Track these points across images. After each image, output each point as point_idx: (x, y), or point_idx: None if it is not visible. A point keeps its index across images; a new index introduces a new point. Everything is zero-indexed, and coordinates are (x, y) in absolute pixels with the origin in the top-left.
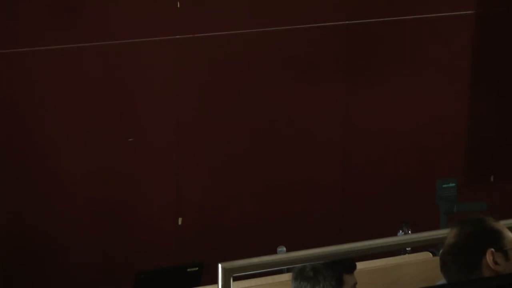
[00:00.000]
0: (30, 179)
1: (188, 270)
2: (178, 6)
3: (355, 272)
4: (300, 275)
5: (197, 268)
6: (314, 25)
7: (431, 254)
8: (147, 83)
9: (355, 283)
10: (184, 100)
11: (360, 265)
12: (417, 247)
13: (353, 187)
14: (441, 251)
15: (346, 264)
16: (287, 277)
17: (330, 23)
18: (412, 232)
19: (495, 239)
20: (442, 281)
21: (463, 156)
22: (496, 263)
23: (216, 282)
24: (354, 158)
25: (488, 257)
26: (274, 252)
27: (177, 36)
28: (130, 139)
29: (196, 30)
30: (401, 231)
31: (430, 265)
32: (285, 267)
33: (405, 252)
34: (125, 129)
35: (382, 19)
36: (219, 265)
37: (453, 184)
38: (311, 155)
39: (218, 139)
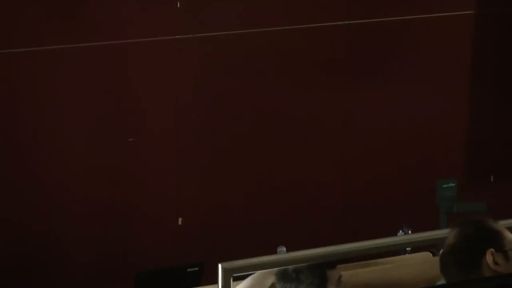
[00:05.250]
0: (30, 179)
1: (188, 270)
2: (178, 6)
3: (353, 271)
4: (283, 277)
5: (197, 268)
6: (314, 25)
7: (431, 254)
8: (147, 83)
9: (340, 277)
10: (184, 100)
11: (359, 265)
12: (417, 247)
13: (353, 187)
14: (441, 251)
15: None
16: None
17: (330, 23)
18: (412, 232)
19: (495, 239)
20: (442, 281)
21: (463, 156)
22: (496, 263)
23: (216, 282)
24: (354, 158)
25: (488, 258)
26: (274, 252)
27: (177, 36)
28: (130, 139)
29: (196, 30)
30: (401, 231)
31: (430, 265)
32: (285, 267)
33: (405, 252)
34: (125, 129)
35: (382, 19)
36: (219, 265)
37: (453, 184)
38: (311, 155)
39: (218, 139)
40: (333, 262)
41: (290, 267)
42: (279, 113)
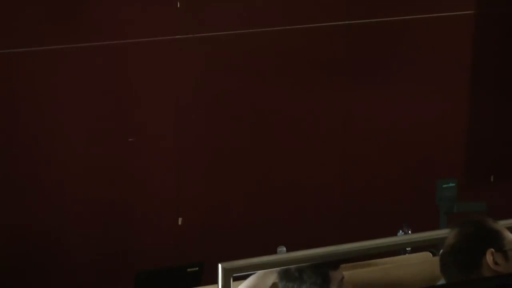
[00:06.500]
0: (30, 179)
1: (188, 270)
2: (178, 6)
3: (353, 271)
4: (285, 276)
5: (197, 268)
6: (314, 25)
7: (431, 254)
8: (147, 83)
9: (342, 278)
10: (184, 100)
11: (359, 265)
12: (417, 247)
13: (353, 187)
14: (441, 251)
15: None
16: None
17: (330, 23)
18: (412, 232)
19: (495, 239)
20: (442, 281)
21: (463, 156)
22: (496, 263)
23: (216, 282)
24: (354, 158)
25: (488, 258)
26: (274, 252)
27: (177, 36)
28: (130, 139)
29: (196, 30)
30: (401, 231)
31: (430, 265)
32: (285, 267)
33: (405, 252)
34: (125, 129)
35: (382, 19)
36: (219, 265)
37: (453, 184)
38: (311, 155)
39: (218, 139)
40: (336, 262)
41: (293, 266)
42: (279, 113)
